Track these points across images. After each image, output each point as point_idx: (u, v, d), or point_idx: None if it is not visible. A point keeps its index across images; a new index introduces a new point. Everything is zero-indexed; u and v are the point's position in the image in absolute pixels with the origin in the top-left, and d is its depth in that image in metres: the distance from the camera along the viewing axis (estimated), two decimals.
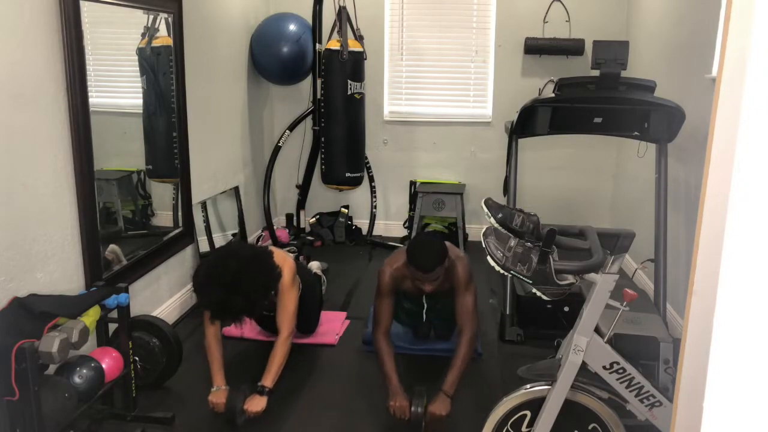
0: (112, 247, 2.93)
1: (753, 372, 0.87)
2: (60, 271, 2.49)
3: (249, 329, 3.35)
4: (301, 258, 4.37)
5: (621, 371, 2.01)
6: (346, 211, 5.06)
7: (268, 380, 2.63)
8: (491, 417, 2.12)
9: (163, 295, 3.38)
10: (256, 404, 2.57)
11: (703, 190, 0.92)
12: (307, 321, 3.17)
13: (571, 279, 1.90)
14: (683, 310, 1.08)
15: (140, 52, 3.17)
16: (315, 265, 4.14)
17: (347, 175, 4.31)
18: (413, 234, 4.86)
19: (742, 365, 0.87)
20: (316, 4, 4.29)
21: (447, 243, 2.80)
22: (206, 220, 3.92)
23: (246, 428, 2.56)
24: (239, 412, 2.53)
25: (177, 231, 3.50)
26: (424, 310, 3.13)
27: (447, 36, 4.90)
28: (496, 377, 2.99)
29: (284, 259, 2.77)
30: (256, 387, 2.62)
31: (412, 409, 2.50)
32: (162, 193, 3.54)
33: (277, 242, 4.63)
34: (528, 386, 2.10)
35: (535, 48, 4.69)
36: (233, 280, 2.43)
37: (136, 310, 2.88)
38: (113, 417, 2.54)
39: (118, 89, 3.14)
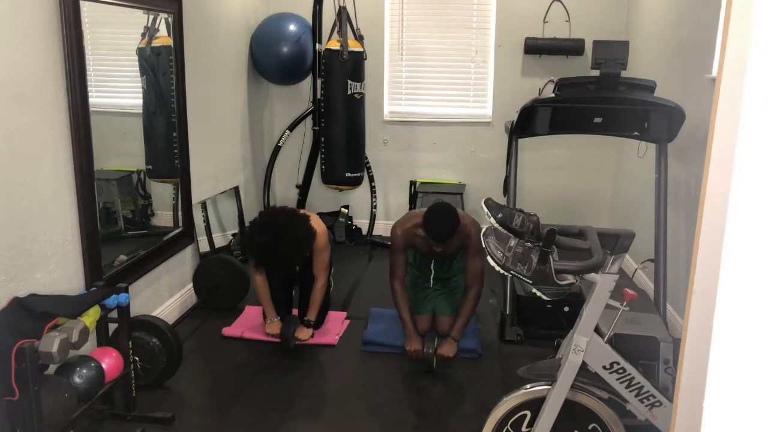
0: (121, 257, 2.95)
1: (753, 372, 0.87)
2: (60, 271, 2.49)
3: (249, 330, 3.35)
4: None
5: (621, 371, 2.01)
6: (346, 211, 5.05)
7: (312, 314, 3.26)
8: (491, 417, 2.12)
9: (163, 295, 3.38)
10: (305, 333, 3.22)
11: (703, 190, 0.92)
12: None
13: (571, 279, 1.90)
14: (683, 310, 1.08)
15: (140, 52, 3.17)
16: None
17: (347, 175, 4.31)
18: None
19: (742, 365, 0.87)
20: (316, 4, 4.29)
21: (460, 211, 3.08)
22: (206, 220, 3.92)
23: (246, 426, 2.56)
24: (291, 338, 3.15)
25: (177, 231, 3.50)
26: (431, 277, 3.36)
27: (447, 36, 4.90)
28: (496, 377, 2.99)
29: (318, 223, 3.21)
30: (302, 320, 3.26)
31: (425, 350, 2.95)
32: (162, 193, 3.54)
33: None
34: (528, 386, 2.10)
35: (535, 48, 4.69)
36: (282, 231, 2.92)
37: (136, 310, 2.88)
38: (113, 417, 2.54)
39: (118, 89, 3.14)
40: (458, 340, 3.10)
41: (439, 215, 2.94)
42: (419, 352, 2.99)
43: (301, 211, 3.21)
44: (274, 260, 3.02)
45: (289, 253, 2.97)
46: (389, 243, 3.22)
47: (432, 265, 3.34)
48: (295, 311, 3.42)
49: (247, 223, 4.45)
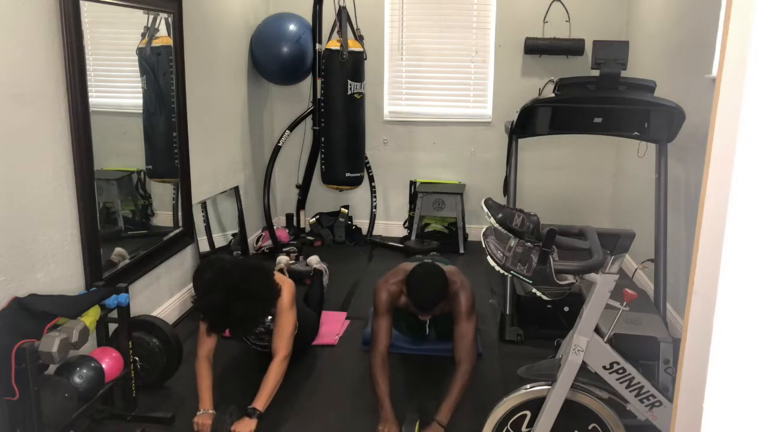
0: (118, 250, 2.94)
1: (753, 372, 0.87)
2: (60, 271, 2.49)
3: None
4: (300, 258, 4.37)
5: (621, 371, 2.01)
6: (346, 211, 5.06)
7: (260, 403, 2.51)
8: (491, 417, 2.12)
9: (163, 295, 3.38)
10: (245, 426, 2.44)
11: (703, 190, 0.92)
12: (299, 349, 3.03)
13: (571, 279, 1.90)
14: (683, 310, 1.08)
15: (140, 52, 3.17)
16: (314, 260, 4.15)
17: (347, 175, 4.31)
18: (413, 235, 4.86)
19: (742, 365, 0.87)
20: (316, 4, 4.29)
21: (450, 268, 2.76)
22: (206, 220, 3.92)
23: None
24: None
25: (177, 231, 3.50)
26: (427, 325, 3.13)
27: (447, 36, 4.90)
28: (496, 377, 2.99)
29: (283, 280, 2.73)
30: (246, 409, 2.49)
31: None
32: (162, 193, 3.54)
33: (277, 242, 4.63)
34: (528, 386, 2.10)
35: (535, 48, 4.69)
36: (236, 287, 2.45)
37: (136, 310, 2.88)
38: (113, 417, 2.54)
39: (118, 89, 3.14)
40: (445, 426, 2.48)
41: (425, 281, 2.59)
42: None
43: (273, 270, 2.78)
44: (226, 322, 2.51)
45: (243, 314, 2.45)
46: (373, 304, 2.78)
47: (427, 324, 3.11)
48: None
49: (246, 223, 4.46)
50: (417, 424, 2.42)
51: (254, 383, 2.90)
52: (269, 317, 2.75)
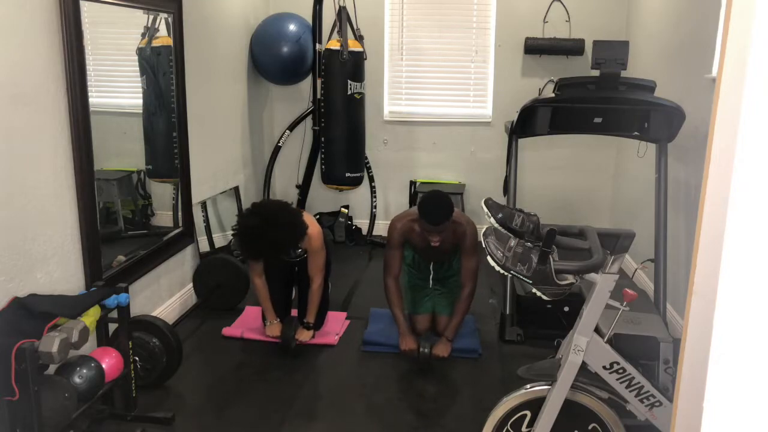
0: (119, 258, 2.95)
1: (753, 372, 0.87)
2: (60, 271, 2.49)
3: (249, 330, 3.35)
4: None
5: (621, 371, 2.01)
6: (346, 211, 5.05)
7: (311, 316, 3.25)
8: (491, 417, 2.12)
9: (163, 295, 3.38)
10: (305, 335, 3.21)
11: (703, 190, 0.92)
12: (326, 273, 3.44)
13: (571, 279, 1.90)
14: (683, 310, 1.08)
15: (140, 52, 3.17)
16: None
17: (347, 175, 4.31)
18: None
19: (742, 365, 0.87)
20: (316, 4, 4.29)
21: (457, 209, 3.08)
22: (206, 220, 3.92)
23: (246, 426, 2.56)
24: (292, 339, 3.14)
25: (177, 231, 3.50)
26: (430, 278, 3.35)
27: (447, 36, 4.90)
28: (496, 377, 2.99)
29: (313, 223, 3.17)
30: (302, 322, 3.26)
31: (420, 350, 2.98)
32: (162, 193, 3.54)
33: None
34: (528, 386, 2.10)
35: (535, 48, 4.69)
36: (270, 216, 2.90)
37: (136, 310, 2.88)
38: (113, 417, 2.54)
39: (118, 89, 3.14)
40: (452, 340, 3.10)
41: (433, 199, 2.97)
42: (414, 351, 3.00)
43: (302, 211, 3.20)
44: (261, 247, 2.94)
45: (278, 240, 2.91)
46: (387, 238, 3.21)
47: (431, 266, 3.35)
48: (294, 312, 3.42)
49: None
50: (430, 340, 3.06)
51: (255, 382, 2.91)
52: (298, 249, 3.21)
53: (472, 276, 3.12)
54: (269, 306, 3.27)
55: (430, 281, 3.39)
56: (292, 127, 4.75)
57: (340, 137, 4.26)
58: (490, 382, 2.95)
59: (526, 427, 2.12)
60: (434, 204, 2.94)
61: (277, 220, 2.91)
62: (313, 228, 3.14)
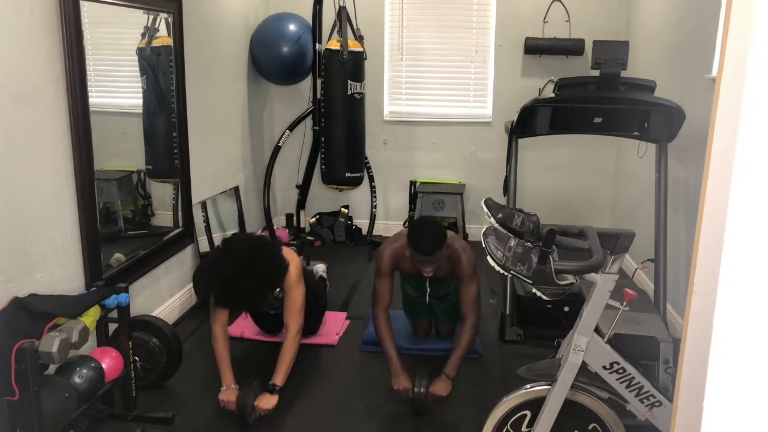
0: (117, 255, 2.94)
1: (753, 372, 0.87)
2: (60, 271, 2.49)
3: (249, 329, 3.35)
4: (309, 261, 4.36)
5: (621, 371, 2.01)
6: (346, 211, 5.05)
7: (279, 378, 2.65)
8: (491, 417, 2.12)
9: (163, 295, 3.38)
10: (267, 402, 2.58)
11: (703, 190, 0.92)
12: (309, 323, 3.13)
13: (571, 279, 1.90)
14: (683, 310, 1.08)
15: (140, 52, 3.17)
16: (320, 268, 4.12)
17: (347, 175, 4.31)
18: None
19: (742, 365, 0.87)
20: (316, 4, 4.29)
21: (450, 233, 2.86)
22: (206, 220, 3.92)
23: (248, 426, 2.56)
24: (250, 410, 2.53)
25: (177, 231, 3.50)
26: (427, 294, 3.16)
27: (447, 36, 4.90)
28: (496, 377, 2.99)
29: (292, 256, 2.76)
30: (266, 385, 2.63)
31: (415, 390, 2.61)
32: (162, 193, 3.54)
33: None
34: (528, 386, 2.10)
35: (535, 48, 4.69)
36: (245, 262, 2.46)
37: (136, 310, 2.88)
38: (113, 417, 2.54)
39: (118, 89, 3.14)
40: (453, 378, 2.72)
41: (423, 227, 2.76)
42: (408, 391, 2.63)
43: (279, 244, 2.83)
44: (238, 296, 2.52)
45: (257, 286, 2.50)
46: (376, 266, 2.92)
47: (427, 282, 3.13)
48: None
49: (246, 223, 4.46)
50: (426, 378, 2.63)
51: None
52: (278, 290, 2.78)
53: (473, 307, 2.81)
54: (226, 366, 2.68)
55: (427, 297, 3.19)
56: (292, 127, 4.74)
57: (340, 137, 4.26)
58: (490, 382, 2.94)
59: (526, 427, 2.11)
60: (424, 232, 2.71)
61: (256, 263, 2.49)
62: (292, 261, 2.72)
